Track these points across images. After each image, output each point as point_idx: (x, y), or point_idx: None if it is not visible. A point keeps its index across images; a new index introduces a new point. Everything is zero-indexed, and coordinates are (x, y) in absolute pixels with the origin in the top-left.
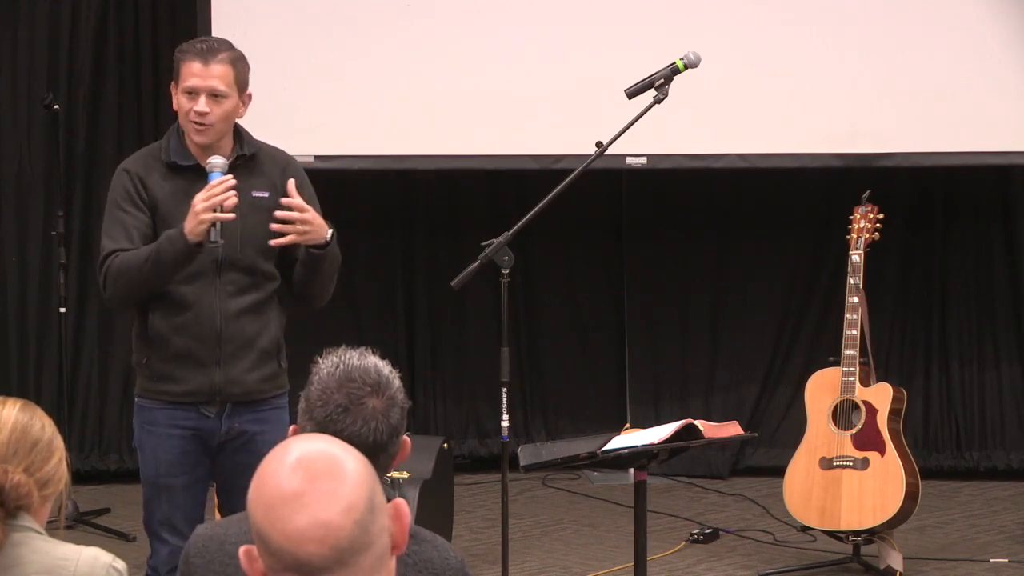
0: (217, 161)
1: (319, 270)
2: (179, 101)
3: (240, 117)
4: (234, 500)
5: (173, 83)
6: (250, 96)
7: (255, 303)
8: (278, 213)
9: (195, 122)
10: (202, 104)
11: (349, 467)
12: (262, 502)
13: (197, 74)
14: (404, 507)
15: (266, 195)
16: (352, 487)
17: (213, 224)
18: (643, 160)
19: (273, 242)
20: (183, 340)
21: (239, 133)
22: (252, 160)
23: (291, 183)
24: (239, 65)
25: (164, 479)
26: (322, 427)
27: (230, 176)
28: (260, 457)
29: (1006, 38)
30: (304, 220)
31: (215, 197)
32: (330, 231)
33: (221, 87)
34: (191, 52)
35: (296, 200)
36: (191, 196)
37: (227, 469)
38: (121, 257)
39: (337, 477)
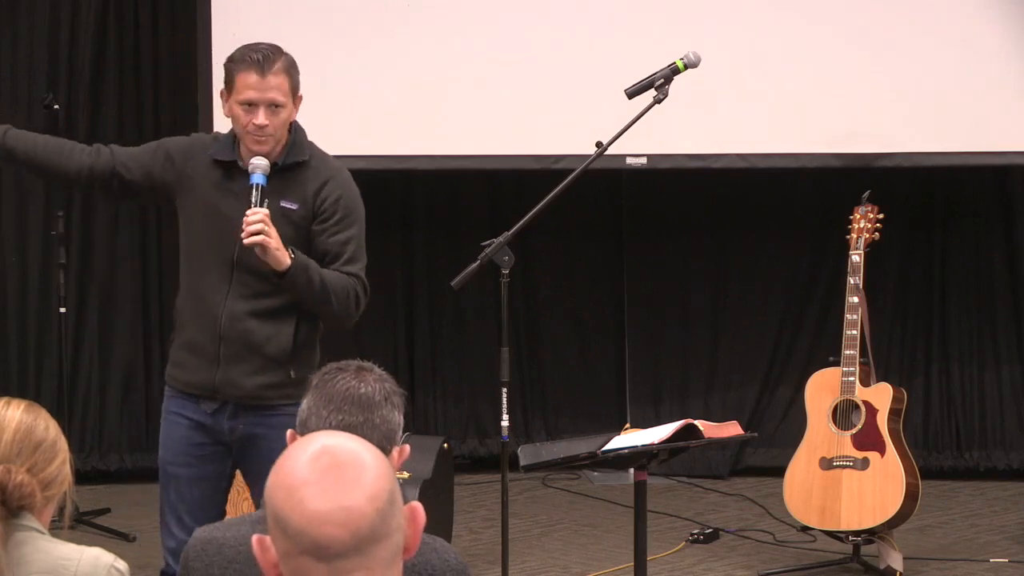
0: (259, 163)
1: (295, 296)
2: (235, 112)
3: (292, 119)
4: (255, 500)
5: (224, 91)
6: (301, 97)
7: (268, 309)
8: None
9: (254, 134)
10: (262, 117)
11: (373, 460)
12: (283, 485)
13: (255, 86)
14: (420, 510)
15: (295, 207)
16: (375, 477)
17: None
18: (643, 160)
19: (245, 240)
20: (195, 330)
21: (294, 138)
22: (294, 169)
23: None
24: (293, 72)
25: (171, 467)
26: None
27: (261, 211)
28: (265, 462)
29: (1005, 38)
30: (265, 232)
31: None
32: (289, 262)
33: (280, 98)
34: (246, 62)
35: (261, 211)
36: (225, 188)
37: (242, 471)
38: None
39: (362, 467)
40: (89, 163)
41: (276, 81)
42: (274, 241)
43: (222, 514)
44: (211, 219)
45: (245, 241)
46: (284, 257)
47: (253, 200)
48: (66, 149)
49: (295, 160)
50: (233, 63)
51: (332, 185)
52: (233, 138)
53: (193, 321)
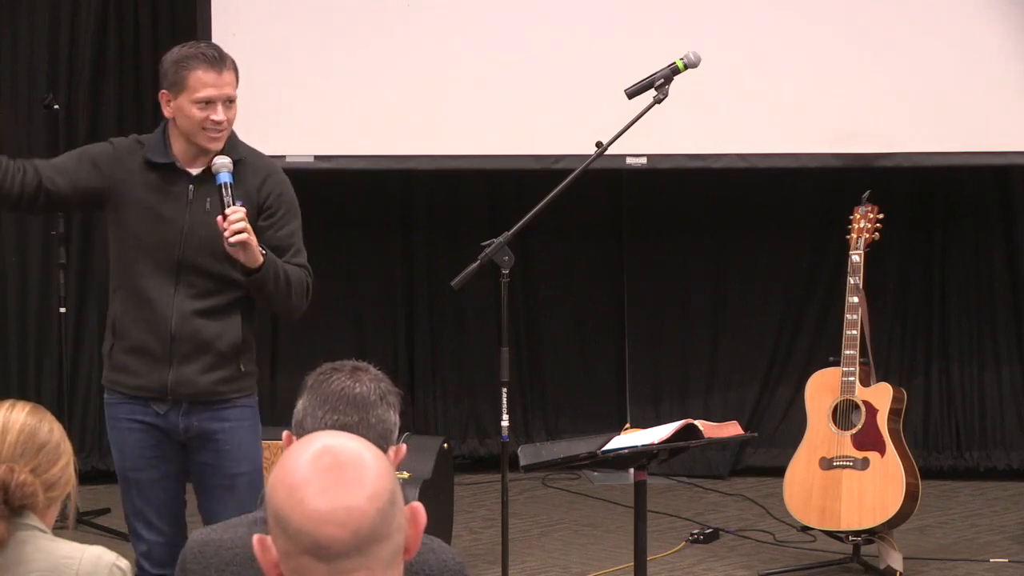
0: (223, 161)
1: (260, 296)
2: (188, 110)
3: None
4: (204, 500)
5: (167, 92)
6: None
7: (216, 306)
8: (227, 212)
9: (210, 130)
10: (220, 113)
11: (374, 459)
12: (285, 484)
13: (212, 83)
14: (421, 511)
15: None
16: (376, 477)
17: (224, 189)
18: (643, 160)
19: (230, 239)
20: (141, 333)
21: (229, 137)
22: (235, 166)
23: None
24: (237, 69)
25: (131, 473)
26: None
27: (241, 210)
28: (224, 456)
29: (1005, 38)
30: (247, 230)
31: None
32: (261, 259)
33: (233, 93)
34: (200, 59)
35: (241, 210)
36: (163, 191)
37: (195, 469)
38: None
39: (363, 466)
40: (20, 180)
41: (229, 77)
42: (253, 239)
43: (184, 507)
44: (151, 223)
45: (230, 240)
46: (258, 254)
47: (227, 200)
48: (1, 165)
49: (235, 158)
50: (184, 61)
51: (272, 182)
52: (164, 140)
53: (138, 325)
